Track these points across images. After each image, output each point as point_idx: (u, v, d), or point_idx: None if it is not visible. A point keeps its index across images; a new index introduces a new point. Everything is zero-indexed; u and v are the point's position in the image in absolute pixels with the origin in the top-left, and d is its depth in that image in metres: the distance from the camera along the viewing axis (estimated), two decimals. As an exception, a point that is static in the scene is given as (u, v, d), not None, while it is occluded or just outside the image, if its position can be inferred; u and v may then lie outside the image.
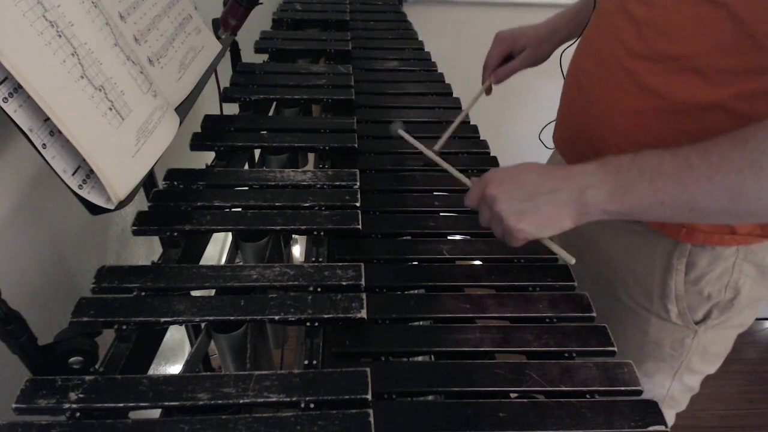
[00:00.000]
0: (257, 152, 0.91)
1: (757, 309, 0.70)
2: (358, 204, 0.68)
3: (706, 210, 0.48)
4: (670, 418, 0.83)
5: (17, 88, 0.46)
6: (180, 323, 0.52)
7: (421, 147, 0.77)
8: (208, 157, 0.80)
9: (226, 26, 0.88)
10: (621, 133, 0.64)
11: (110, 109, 0.55)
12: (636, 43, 0.61)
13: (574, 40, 0.86)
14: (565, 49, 0.88)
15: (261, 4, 0.88)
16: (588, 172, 0.52)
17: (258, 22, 1.09)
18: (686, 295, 0.68)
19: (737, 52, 0.53)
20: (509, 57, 0.88)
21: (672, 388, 0.77)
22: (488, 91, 0.92)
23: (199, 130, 0.81)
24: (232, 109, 0.90)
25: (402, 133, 0.79)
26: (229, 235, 0.69)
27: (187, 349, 1.32)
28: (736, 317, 0.69)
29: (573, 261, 0.59)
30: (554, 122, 0.85)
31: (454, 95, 0.99)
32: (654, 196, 0.49)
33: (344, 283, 0.56)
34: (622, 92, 0.63)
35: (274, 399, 0.46)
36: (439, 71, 1.08)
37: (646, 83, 0.60)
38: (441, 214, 0.70)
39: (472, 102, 0.88)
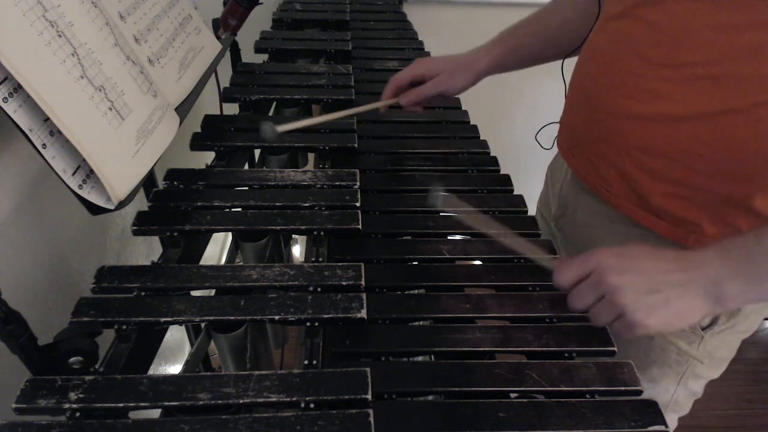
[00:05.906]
0: (257, 152, 0.91)
1: (762, 314, 0.70)
2: (358, 204, 0.68)
3: None
4: (672, 422, 0.83)
5: (17, 88, 0.46)
6: (180, 323, 0.52)
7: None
8: (208, 157, 0.80)
9: (226, 26, 0.88)
10: (629, 139, 0.64)
11: (110, 109, 0.55)
12: (647, 48, 0.59)
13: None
14: (566, 56, 0.87)
15: (261, 4, 0.88)
16: (713, 260, 0.49)
17: (258, 22, 1.09)
18: None
19: (758, 58, 0.51)
20: (423, 83, 0.81)
21: (677, 393, 0.77)
22: (382, 108, 0.83)
23: (199, 130, 0.81)
24: (232, 109, 0.90)
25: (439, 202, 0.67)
26: (229, 235, 0.69)
27: (187, 349, 1.32)
28: (743, 323, 0.69)
29: None
30: (552, 124, 0.84)
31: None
32: None
33: (344, 283, 0.56)
34: (630, 98, 0.62)
35: (274, 399, 0.46)
36: (439, 71, 1.07)
37: (657, 89, 0.59)
38: (441, 214, 0.70)
39: (361, 109, 0.80)
